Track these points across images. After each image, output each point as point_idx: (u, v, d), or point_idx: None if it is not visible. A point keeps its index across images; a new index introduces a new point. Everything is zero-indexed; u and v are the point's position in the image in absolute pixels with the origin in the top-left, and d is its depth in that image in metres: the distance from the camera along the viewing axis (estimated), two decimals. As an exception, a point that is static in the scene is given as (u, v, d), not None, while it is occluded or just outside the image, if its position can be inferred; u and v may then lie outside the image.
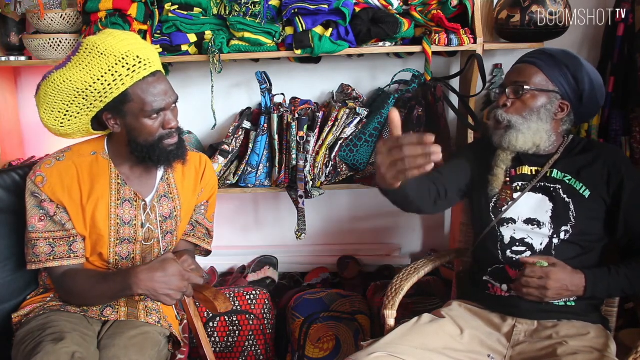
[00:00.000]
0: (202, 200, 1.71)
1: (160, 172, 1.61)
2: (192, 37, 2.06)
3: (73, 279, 1.50)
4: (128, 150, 1.51)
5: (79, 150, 1.55)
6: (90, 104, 1.44)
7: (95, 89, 1.41)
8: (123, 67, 1.41)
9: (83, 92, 1.42)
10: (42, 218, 1.49)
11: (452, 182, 1.66)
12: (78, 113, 1.47)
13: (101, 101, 1.43)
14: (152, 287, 1.39)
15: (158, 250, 1.61)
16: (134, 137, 1.48)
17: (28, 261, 1.51)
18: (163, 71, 1.54)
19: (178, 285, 1.41)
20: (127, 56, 1.42)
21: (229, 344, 2.11)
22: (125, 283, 1.41)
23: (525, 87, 1.53)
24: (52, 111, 1.47)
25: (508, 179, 1.61)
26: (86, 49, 1.42)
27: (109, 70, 1.40)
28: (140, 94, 1.43)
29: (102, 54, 1.41)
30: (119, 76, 1.41)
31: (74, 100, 1.44)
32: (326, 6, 1.97)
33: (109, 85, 1.41)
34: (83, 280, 1.49)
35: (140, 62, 1.43)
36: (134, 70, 1.42)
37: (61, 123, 1.49)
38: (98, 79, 1.41)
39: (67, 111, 1.46)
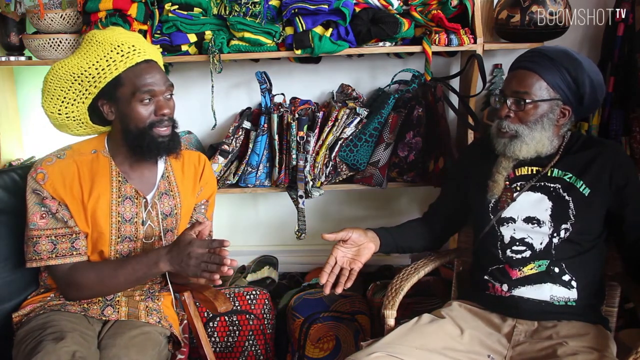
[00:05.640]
0: (202, 200, 1.71)
1: (160, 170, 1.62)
2: (192, 37, 2.06)
3: (83, 271, 1.50)
4: (126, 146, 1.53)
5: (79, 148, 1.56)
6: (86, 90, 1.48)
7: (90, 74, 1.46)
8: (117, 53, 1.47)
9: (79, 77, 1.47)
10: (44, 215, 1.49)
11: (454, 211, 1.77)
12: (74, 100, 1.50)
13: (95, 86, 1.48)
14: (179, 259, 1.43)
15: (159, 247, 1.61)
16: (126, 123, 1.50)
17: (28, 259, 1.50)
18: (162, 66, 1.56)
19: (201, 252, 1.43)
20: (123, 44, 1.48)
21: (229, 344, 2.11)
22: (151, 261, 1.45)
23: (527, 100, 1.50)
24: (52, 98, 1.51)
25: (507, 182, 1.60)
26: (86, 39, 1.51)
27: (104, 56, 1.47)
28: (132, 77, 1.47)
29: (99, 42, 1.48)
30: (113, 62, 1.46)
31: (70, 86, 1.49)
32: (326, 6, 1.97)
33: (102, 70, 1.46)
34: (98, 271, 1.49)
35: (135, 50, 1.48)
36: (127, 57, 1.47)
37: (59, 110, 1.52)
38: (93, 64, 1.46)
39: (65, 97, 1.50)
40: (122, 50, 1.46)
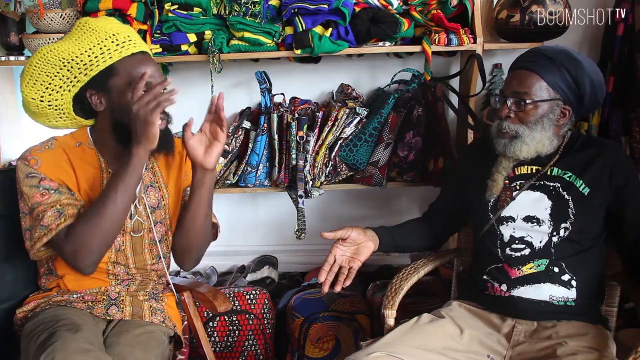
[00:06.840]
0: (188, 185, 1.63)
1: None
2: (192, 37, 2.06)
3: (79, 221, 1.39)
4: (113, 139, 1.48)
5: (64, 142, 1.51)
6: (75, 77, 1.43)
7: (82, 61, 1.41)
8: (112, 42, 1.41)
9: (69, 63, 1.41)
10: (44, 194, 1.40)
11: (454, 211, 1.76)
12: (61, 87, 1.44)
13: (86, 74, 1.42)
14: (136, 128, 1.35)
15: (149, 240, 1.57)
16: (118, 116, 1.44)
17: (37, 239, 1.40)
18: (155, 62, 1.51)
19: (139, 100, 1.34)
20: (118, 34, 1.43)
21: (229, 344, 2.11)
22: (125, 160, 1.37)
23: (528, 100, 1.50)
24: (35, 83, 1.44)
25: (507, 181, 1.60)
26: (78, 25, 1.45)
27: (98, 44, 1.41)
28: (128, 68, 1.42)
29: (93, 29, 1.43)
30: (107, 50, 1.41)
31: (58, 72, 1.43)
32: (326, 6, 1.97)
33: (95, 58, 1.40)
34: (92, 211, 1.39)
35: (130, 41, 1.43)
36: (123, 47, 1.42)
37: (42, 97, 1.45)
38: (86, 51, 1.41)
39: (50, 84, 1.44)
40: (117, 40, 1.41)
